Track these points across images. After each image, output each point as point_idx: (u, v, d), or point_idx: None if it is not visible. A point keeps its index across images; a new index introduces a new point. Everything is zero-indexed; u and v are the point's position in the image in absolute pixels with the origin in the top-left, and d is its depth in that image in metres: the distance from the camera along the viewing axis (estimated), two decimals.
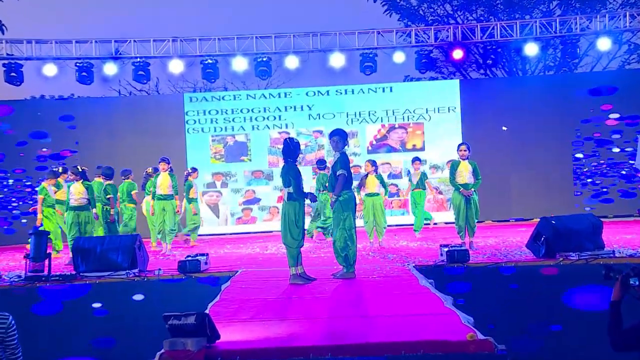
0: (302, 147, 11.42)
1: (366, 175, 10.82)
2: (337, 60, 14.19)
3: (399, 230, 13.35)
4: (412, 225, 12.43)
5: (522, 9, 20.84)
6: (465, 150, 9.55)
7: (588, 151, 14.88)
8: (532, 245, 8.30)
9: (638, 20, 14.24)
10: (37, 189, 11.68)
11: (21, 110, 15.03)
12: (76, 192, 9.83)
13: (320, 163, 12.17)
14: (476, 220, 9.59)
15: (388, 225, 11.33)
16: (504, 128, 14.98)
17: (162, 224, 10.88)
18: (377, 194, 10.77)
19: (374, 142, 15.13)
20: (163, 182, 10.79)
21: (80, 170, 9.99)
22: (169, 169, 10.90)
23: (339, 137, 7.33)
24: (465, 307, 6.00)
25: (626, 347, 3.96)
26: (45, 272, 7.84)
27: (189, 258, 8.11)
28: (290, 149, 7.12)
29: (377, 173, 10.92)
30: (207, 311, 5.59)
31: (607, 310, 4.04)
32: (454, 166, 9.60)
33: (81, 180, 9.89)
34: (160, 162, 10.88)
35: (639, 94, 14.64)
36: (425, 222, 12.68)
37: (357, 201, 10.86)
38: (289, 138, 7.33)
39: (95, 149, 14.51)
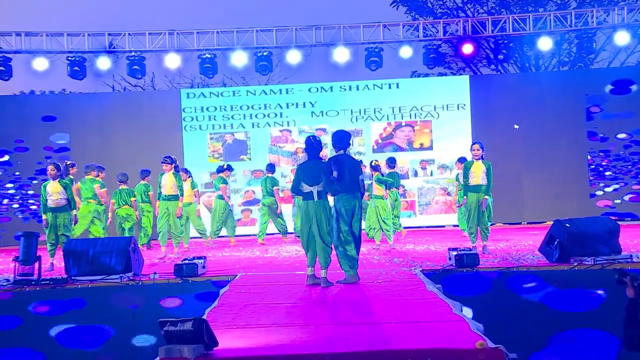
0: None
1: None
2: (341, 54, 13.91)
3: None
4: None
5: (535, 1, 20.70)
6: (478, 150, 9.35)
7: (605, 151, 14.43)
8: (545, 249, 8.17)
9: None
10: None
11: (7, 106, 14.68)
12: (54, 191, 9.30)
13: (391, 161, 12.06)
14: (489, 224, 9.46)
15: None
16: (516, 126, 14.60)
17: (165, 226, 10.38)
18: (381, 197, 10.67)
19: (380, 141, 14.69)
20: (167, 182, 10.32)
21: (62, 167, 9.58)
22: (174, 169, 10.44)
23: (332, 141, 7.45)
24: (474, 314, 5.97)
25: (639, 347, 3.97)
26: (35, 276, 7.67)
27: (186, 261, 7.96)
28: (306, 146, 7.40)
29: (381, 174, 10.87)
30: (204, 317, 5.47)
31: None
32: (467, 167, 9.44)
33: (59, 179, 9.39)
34: (162, 163, 10.38)
35: None
36: None
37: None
38: (311, 136, 7.53)
39: (87, 146, 14.10)
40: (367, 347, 4.69)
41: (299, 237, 8.68)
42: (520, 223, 14.29)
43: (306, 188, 7.15)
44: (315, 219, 7.09)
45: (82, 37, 13.61)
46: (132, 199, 11.44)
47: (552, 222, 8.37)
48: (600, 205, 14.25)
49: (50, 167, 9.45)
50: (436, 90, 14.88)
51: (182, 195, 10.45)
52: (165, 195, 10.31)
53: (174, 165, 10.39)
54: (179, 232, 10.49)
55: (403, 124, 14.64)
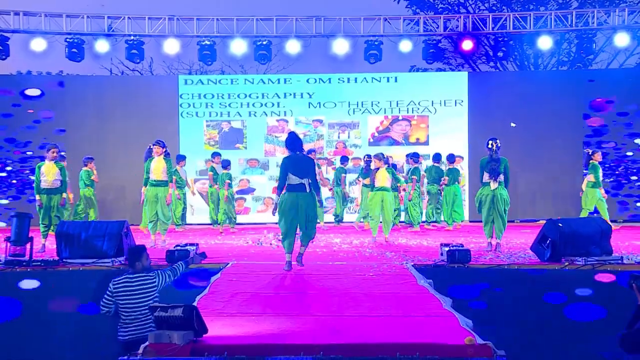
0: (301, 136, 11.09)
1: (377, 170, 10.66)
2: (340, 46, 13.78)
3: (400, 227, 13.07)
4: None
5: (537, 0, 20.26)
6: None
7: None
8: (537, 248, 8.21)
9: None
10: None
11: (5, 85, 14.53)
12: (49, 173, 9.29)
13: (451, 157, 12.76)
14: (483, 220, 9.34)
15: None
16: (513, 124, 14.53)
17: (154, 214, 10.06)
18: (388, 189, 10.63)
19: (376, 134, 14.66)
20: (157, 167, 10.05)
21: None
22: (164, 153, 10.14)
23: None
24: (465, 310, 5.91)
25: (634, 348, 4.02)
26: (27, 257, 7.66)
27: (178, 248, 7.92)
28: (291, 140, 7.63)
29: (388, 166, 10.84)
30: (195, 304, 5.55)
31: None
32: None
33: (54, 161, 9.39)
34: (154, 145, 10.10)
35: None
36: None
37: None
38: (292, 132, 7.89)
39: (83, 130, 14.03)
40: (356, 340, 4.68)
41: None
42: (513, 221, 14.25)
43: (295, 180, 7.34)
44: (306, 209, 7.37)
45: (81, 19, 13.46)
46: (227, 181, 12.16)
47: (544, 221, 8.37)
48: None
49: (52, 149, 9.45)
50: (434, 85, 14.83)
51: (170, 181, 10.26)
52: (155, 181, 9.91)
53: (164, 149, 10.12)
54: (167, 219, 10.18)
55: (400, 118, 14.59)
